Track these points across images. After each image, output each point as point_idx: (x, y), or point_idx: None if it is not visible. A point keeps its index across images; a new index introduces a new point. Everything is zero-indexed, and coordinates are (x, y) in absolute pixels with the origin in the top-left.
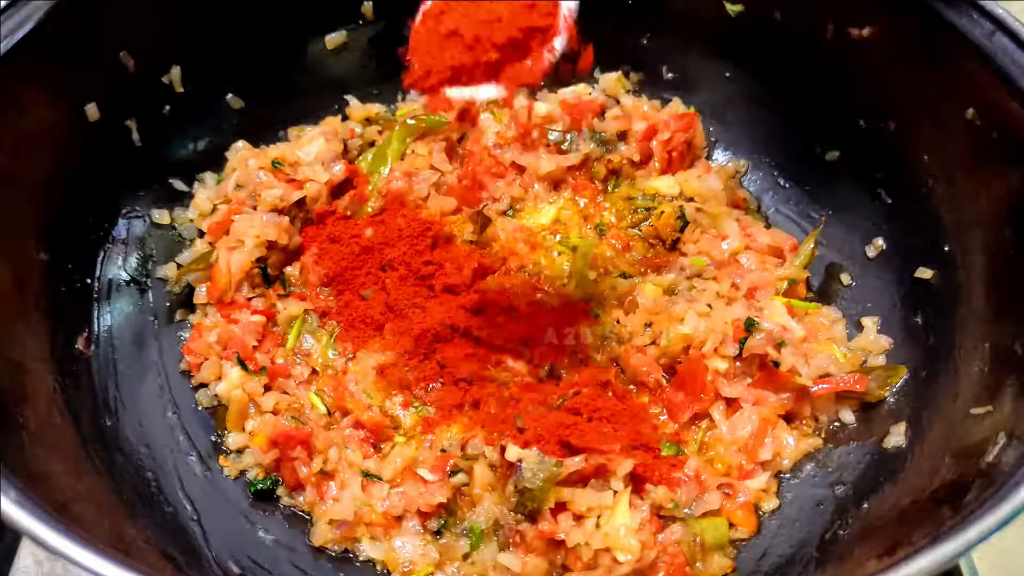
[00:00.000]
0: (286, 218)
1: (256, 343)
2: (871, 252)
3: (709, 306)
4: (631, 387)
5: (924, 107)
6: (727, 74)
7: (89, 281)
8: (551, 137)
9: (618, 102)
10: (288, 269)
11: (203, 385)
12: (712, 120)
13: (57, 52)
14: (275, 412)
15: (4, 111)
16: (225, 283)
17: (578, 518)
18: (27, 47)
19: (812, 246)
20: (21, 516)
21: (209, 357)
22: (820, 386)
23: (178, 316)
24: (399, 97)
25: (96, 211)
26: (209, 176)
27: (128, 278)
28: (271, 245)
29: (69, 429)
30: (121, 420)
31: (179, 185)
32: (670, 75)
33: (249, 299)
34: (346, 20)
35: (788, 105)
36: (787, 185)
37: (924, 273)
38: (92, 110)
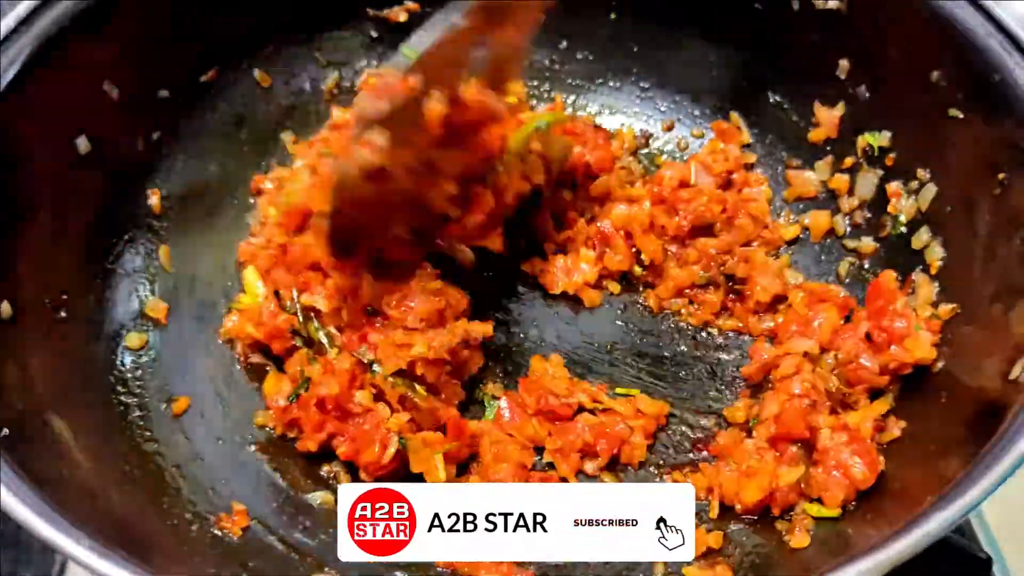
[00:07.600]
0: None
1: None
2: None
3: None
4: None
5: (895, 74)
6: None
7: (104, 315)
8: None
9: None
10: None
11: None
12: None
13: (45, 88)
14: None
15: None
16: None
17: None
18: (16, 87)
19: None
20: (70, 545)
21: None
22: None
23: None
24: None
25: (101, 243)
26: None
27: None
28: None
29: (110, 461)
30: (163, 452)
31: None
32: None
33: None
34: (334, 23)
35: (762, 76)
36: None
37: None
38: (83, 143)
